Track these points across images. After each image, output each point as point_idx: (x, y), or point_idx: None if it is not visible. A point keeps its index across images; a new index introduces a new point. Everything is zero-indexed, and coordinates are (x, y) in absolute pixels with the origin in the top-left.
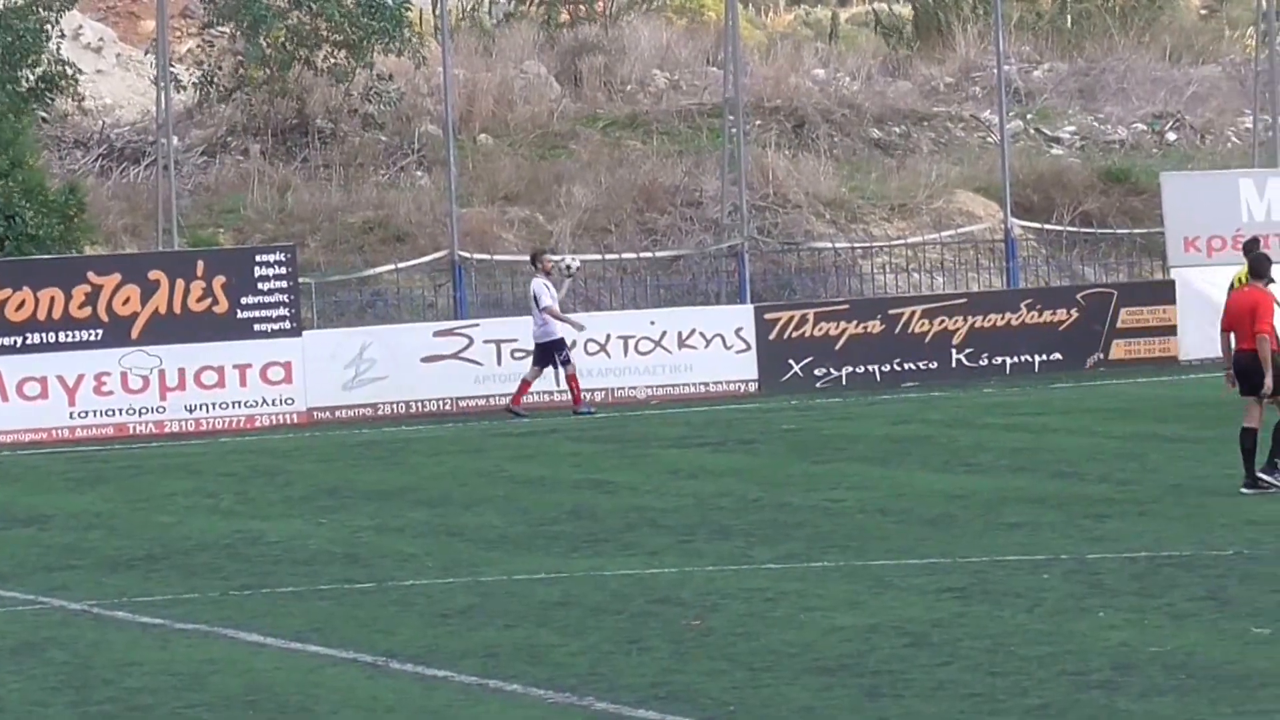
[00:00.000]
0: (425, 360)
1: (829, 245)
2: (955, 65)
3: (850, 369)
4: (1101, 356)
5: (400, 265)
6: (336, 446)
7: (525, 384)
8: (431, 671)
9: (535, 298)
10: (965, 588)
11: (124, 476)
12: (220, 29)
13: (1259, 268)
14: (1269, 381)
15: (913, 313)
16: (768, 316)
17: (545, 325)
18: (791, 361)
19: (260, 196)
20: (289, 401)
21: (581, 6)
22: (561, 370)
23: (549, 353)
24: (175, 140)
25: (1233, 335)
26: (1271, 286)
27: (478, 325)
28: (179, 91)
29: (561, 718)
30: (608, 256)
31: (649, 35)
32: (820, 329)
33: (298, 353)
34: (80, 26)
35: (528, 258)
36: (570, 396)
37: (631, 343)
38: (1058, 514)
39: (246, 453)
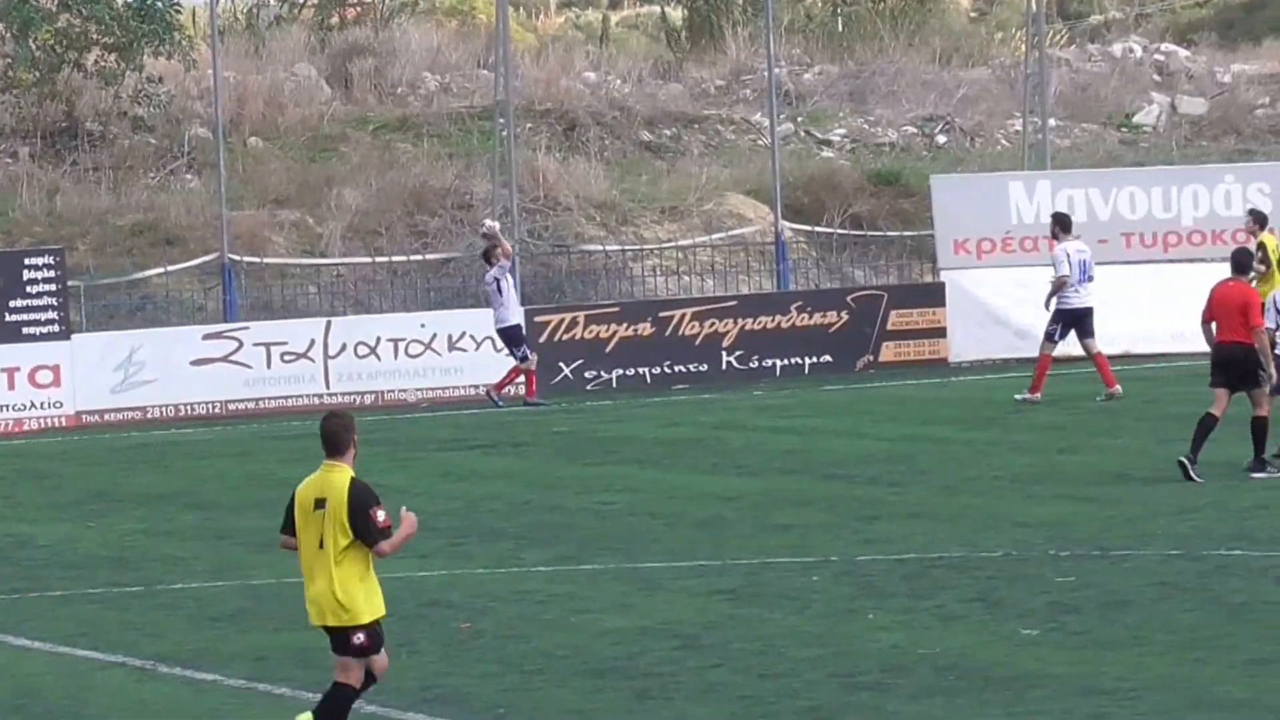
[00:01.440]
0: (195, 363)
1: (599, 248)
2: (726, 68)
3: (621, 371)
4: (871, 358)
5: (170, 268)
6: (105, 450)
7: (515, 371)
8: (200, 675)
9: (495, 289)
10: (736, 590)
11: None
12: None
13: (1242, 261)
14: (1273, 372)
15: (683, 315)
16: (539, 319)
17: (502, 310)
18: (562, 364)
19: (29, 199)
20: (57, 405)
21: (352, 9)
22: (518, 361)
23: (514, 338)
24: None
25: (1214, 326)
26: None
27: (247, 328)
28: None
29: None
30: (378, 259)
31: (419, 38)
32: (591, 331)
33: (66, 356)
34: None
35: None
36: (525, 389)
37: (402, 345)
38: (828, 516)
39: (14, 456)
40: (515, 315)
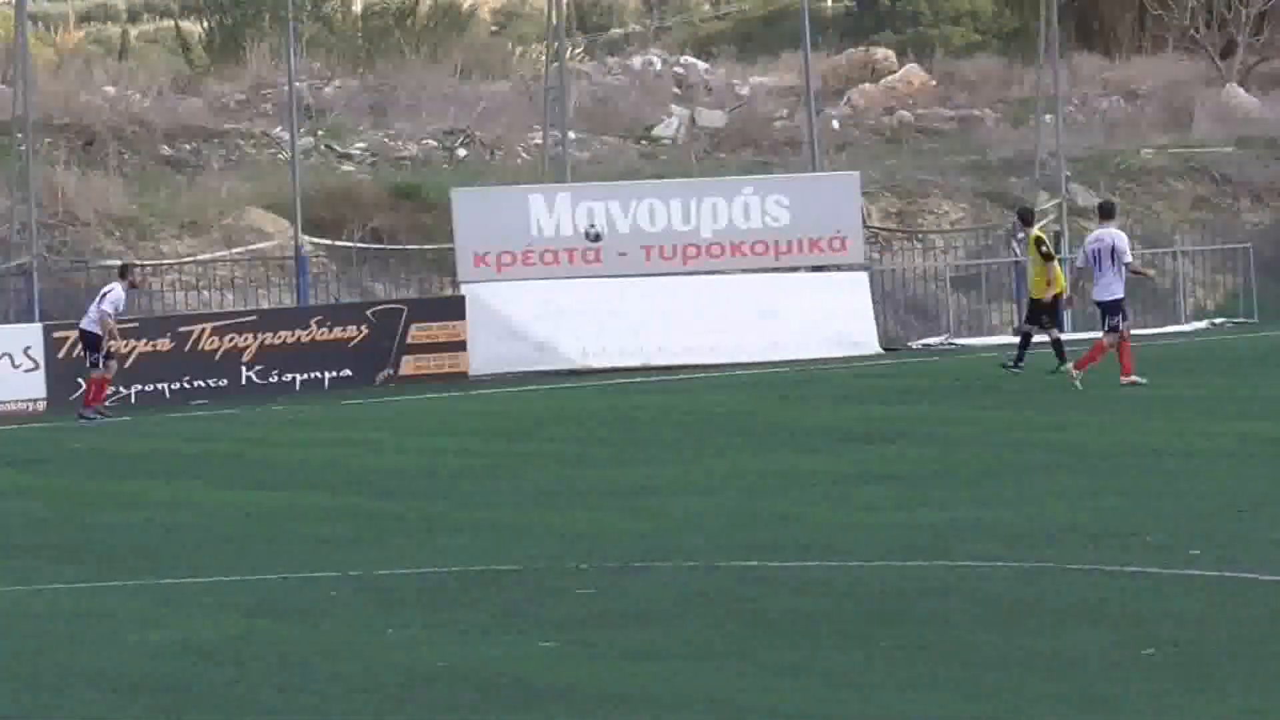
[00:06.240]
0: None
1: (118, 263)
2: (247, 82)
3: (140, 387)
4: (392, 372)
5: None
6: None
7: (102, 381)
8: None
9: (102, 297)
10: (255, 605)
11: None
12: None
13: None
14: None
15: (203, 330)
16: (57, 335)
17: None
18: (81, 380)
19: None
20: None
21: None
22: (93, 370)
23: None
24: None
25: None
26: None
27: None
28: None
29: None
30: None
31: None
32: (111, 346)
33: None
34: None
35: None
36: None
37: None
38: (348, 530)
39: None
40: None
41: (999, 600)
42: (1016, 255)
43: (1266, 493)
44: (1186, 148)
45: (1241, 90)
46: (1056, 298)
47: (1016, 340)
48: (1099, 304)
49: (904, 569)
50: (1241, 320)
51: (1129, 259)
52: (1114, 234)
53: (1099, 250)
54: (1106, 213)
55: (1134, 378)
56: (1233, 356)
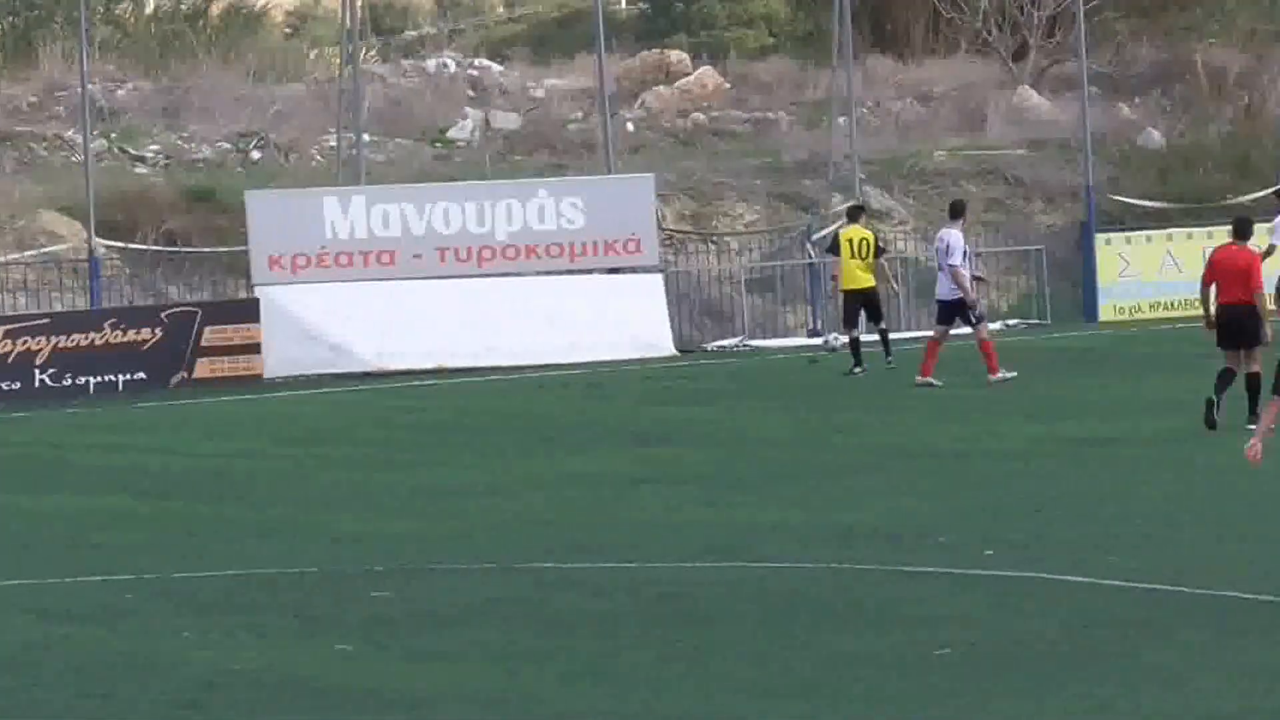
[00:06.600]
0: None
1: None
2: (39, 85)
3: None
4: (186, 375)
5: None
6: None
7: None
8: None
9: None
10: (49, 609)
11: None
12: None
13: (1243, 229)
14: (1268, 331)
15: None
16: None
17: None
18: None
19: None
20: None
21: None
22: None
23: None
24: None
25: (1214, 289)
26: None
27: None
28: None
29: None
30: None
31: None
32: None
33: None
34: None
35: None
36: None
37: None
38: (144, 533)
39: None
40: None
41: (793, 600)
42: (811, 257)
43: (1059, 493)
44: (980, 150)
45: (1034, 93)
46: (846, 295)
47: (815, 341)
48: (939, 302)
49: (699, 570)
50: (1035, 322)
51: (954, 260)
52: (952, 234)
53: (939, 249)
54: (954, 212)
55: (930, 379)
56: (1026, 358)
